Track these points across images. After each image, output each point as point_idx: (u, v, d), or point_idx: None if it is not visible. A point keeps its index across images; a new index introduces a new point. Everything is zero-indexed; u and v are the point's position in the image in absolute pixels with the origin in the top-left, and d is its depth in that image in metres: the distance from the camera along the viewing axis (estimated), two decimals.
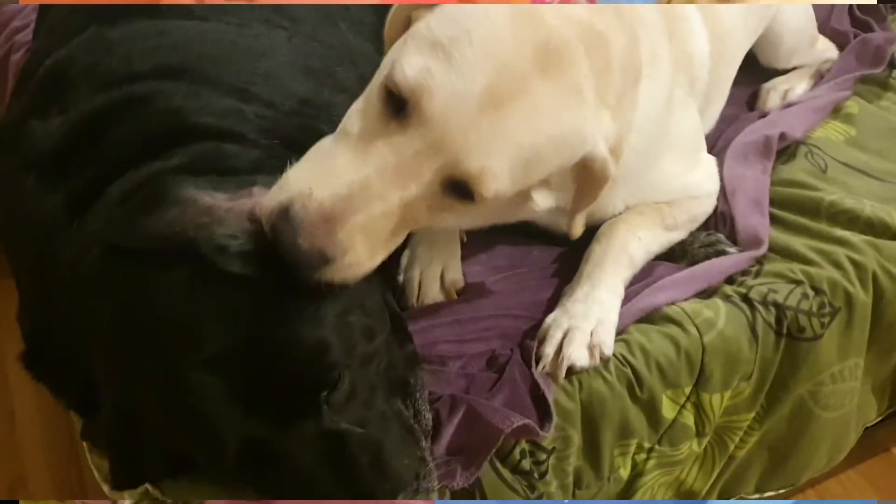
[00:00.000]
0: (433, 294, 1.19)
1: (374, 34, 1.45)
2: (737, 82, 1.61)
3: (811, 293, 1.21)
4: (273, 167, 0.96)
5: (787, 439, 1.29)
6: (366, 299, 0.94)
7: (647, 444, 1.16)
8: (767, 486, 1.35)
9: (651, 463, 1.17)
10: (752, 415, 1.23)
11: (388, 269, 1.14)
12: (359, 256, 0.87)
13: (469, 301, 1.19)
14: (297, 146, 1.03)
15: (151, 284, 0.85)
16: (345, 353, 0.87)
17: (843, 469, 1.80)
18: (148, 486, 0.95)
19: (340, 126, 0.93)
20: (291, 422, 0.85)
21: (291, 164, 0.92)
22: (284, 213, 0.84)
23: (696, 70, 1.26)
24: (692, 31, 1.26)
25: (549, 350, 1.08)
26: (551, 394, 1.05)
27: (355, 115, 0.92)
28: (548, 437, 1.03)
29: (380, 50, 1.47)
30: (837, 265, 1.24)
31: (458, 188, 0.88)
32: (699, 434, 1.19)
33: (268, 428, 0.84)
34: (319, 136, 1.06)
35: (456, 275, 1.21)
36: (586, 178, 0.99)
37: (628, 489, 1.18)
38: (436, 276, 1.20)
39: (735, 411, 1.21)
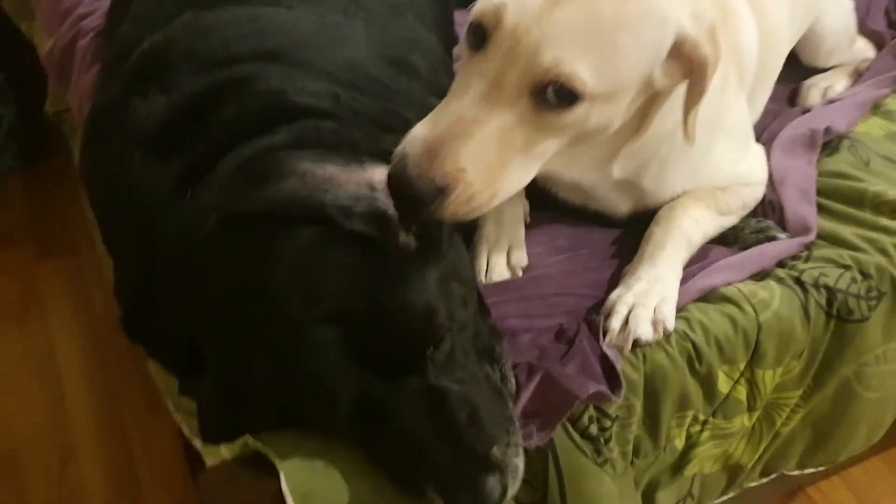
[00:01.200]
0: (500, 272, 1.25)
1: (435, 27, 1.52)
2: (778, 79, 1.67)
3: (859, 277, 1.27)
4: (370, 146, 1.03)
5: (831, 417, 1.35)
6: (461, 270, 1.00)
7: (702, 417, 1.22)
8: (808, 462, 1.41)
9: (705, 434, 1.23)
10: (800, 392, 1.29)
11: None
12: (474, 187, 0.92)
13: (535, 279, 1.25)
14: (385, 128, 1.10)
15: (275, 246, 0.92)
16: (448, 317, 0.93)
17: (868, 457, 1.86)
18: (248, 438, 1.00)
19: None
20: (401, 377, 0.91)
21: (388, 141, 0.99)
22: (395, 158, 0.91)
23: (746, 64, 1.32)
24: (744, 26, 1.32)
25: (616, 324, 1.14)
26: (620, 364, 1.11)
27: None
28: (618, 403, 1.10)
29: (442, 41, 1.54)
30: (884, 252, 1.30)
31: (548, 95, 0.93)
32: (750, 409, 1.25)
33: (379, 383, 0.91)
34: (402, 119, 1.13)
35: (521, 255, 1.27)
36: (688, 70, 1.02)
37: (682, 459, 1.24)
38: (502, 255, 1.27)
39: (784, 388, 1.28)
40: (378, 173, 0.95)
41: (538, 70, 0.92)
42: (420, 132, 0.92)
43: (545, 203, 1.35)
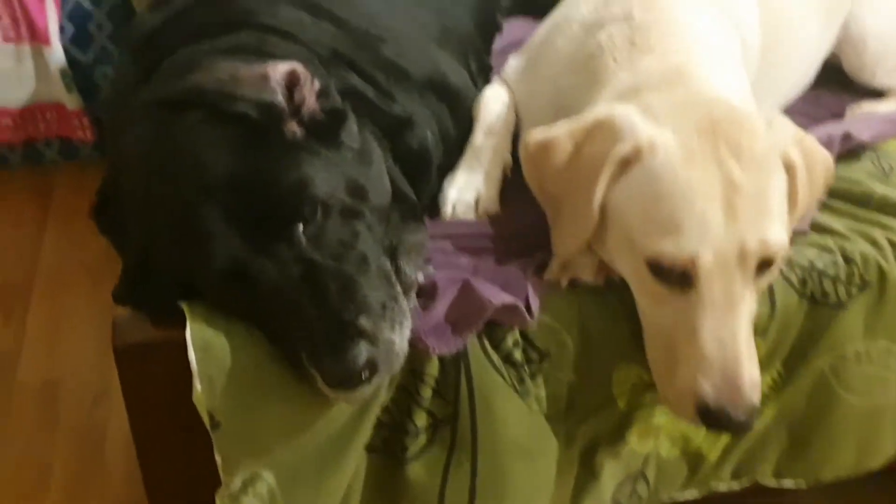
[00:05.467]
0: (463, 210, 1.28)
1: (471, 5, 1.61)
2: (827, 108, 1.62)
3: (841, 261, 1.21)
4: (312, 64, 1.12)
5: (808, 420, 1.26)
6: (363, 168, 1.07)
7: (646, 378, 1.17)
8: (787, 471, 1.30)
9: (648, 397, 1.18)
10: (767, 378, 1.22)
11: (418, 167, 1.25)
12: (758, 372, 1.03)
13: (497, 222, 1.27)
14: (343, 58, 1.20)
15: (170, 127, 1.01)
16: (324, 194, 0.99)
17: None
18: None
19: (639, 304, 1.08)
20: (270, 245, 0.97)
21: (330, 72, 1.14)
22: (706, 413, 1.01)
23: (744, 32, 1.33)
24: None
25: (558, 261, 1.14)
26: (538, 293, 1.11)
27: (642, 292, 1.06)
28: (533, 325, 1.10)
29: (472, 17, 1.61)
30: (873, 242, 1.23)
31: (767, 263, 1.03)
32: None
33: (250, 248, 0.97)
34: (376, 55, 1.23)
35: (491, 204, 1.30)
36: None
37: (624, 421, 1.19)
38: (470, 201, 1.29)
39: None
40: (276, 67, 1.02)
41: (758, 261, 1.01)
42: (708, 388, 1.00)
43: None
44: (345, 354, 0.92)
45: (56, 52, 2.40)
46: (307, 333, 0.95)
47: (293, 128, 1.02)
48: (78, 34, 2.43)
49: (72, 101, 2.50)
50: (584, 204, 1.05)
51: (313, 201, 0.98)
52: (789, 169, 1.06)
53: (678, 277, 1.01)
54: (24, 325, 2.16)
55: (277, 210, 0.97)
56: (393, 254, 1.07)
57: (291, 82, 1.02)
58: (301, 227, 0.97)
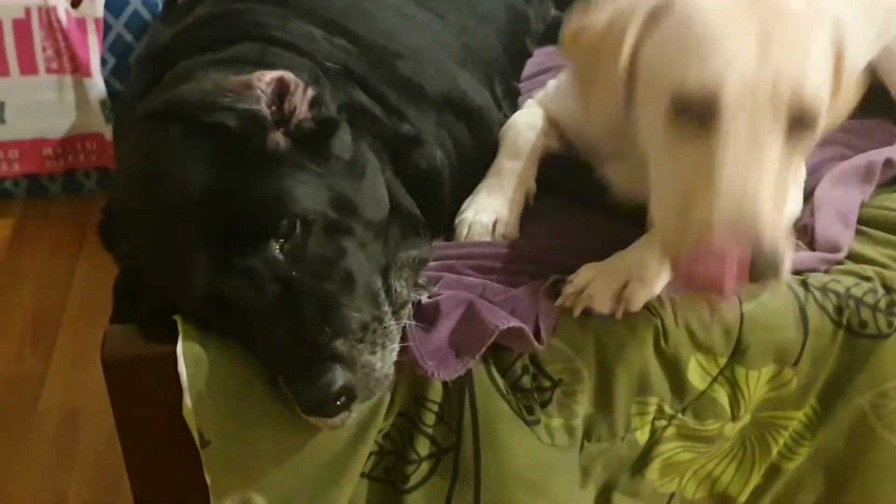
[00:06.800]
0: (479, 232, 1.23)
1: (499, 27, 1.57)
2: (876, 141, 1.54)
3: (881, 290, 1.12)
4: (313, 76, 1.09)
5: (846, 461, 1.16)
6: (354, 181, 1.02)
7: (668, 410, 1.10)
8: None
9: (670, 431, 1.10)
10: (800, 415, 1.14)
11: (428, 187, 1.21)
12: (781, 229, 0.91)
13: (513, 245, 1.21)
14: (354, 74, 1.15)
15: (152, 141, 0.99)
16: (303, 209, 0.94)
17: None
18: None
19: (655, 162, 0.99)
20: (246, 263, 0.92)
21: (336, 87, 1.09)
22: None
23: None
24: None
25: (571, 288, 1.07)
26: (552, 318, 1.04)
27: (654, 139, 0.98)
28: (541, 350, 1.03)
29: (500, 40, 1.57)
30: None
31: (803, 120, 0.93)
32: (733, 417, 1.11)
33: (226, 268, 0.93)
34: (391, 72, 1.19)
35: (509, 229, 1.25)
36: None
37: (643, 457, 1.12)
38: (487, 223, 1.24)
39: (779, 405, 1.13)
40: (263, 75, 0.98)
41: (790, 109, 0.92)
42: (721, 226, 0.88)
43: (558, 192, 1.32)
44: (318, 379, 0.88)
45: (97, 84, 2.44)
46: (282, 356, 0.91)
47: (277, 138, 0.97)
48: (118, 66, 2.47)
49: (111, 132, 2.54)
50: (613, 62, 0.98)
51: (291, 216, 0.93)
52: (837, 46, 0.97)
53: (701, 115, 0.92)
54: (52, 353, 2.16)
55: (253, 226, 0.93)
56: (385, 275, 1.02)
57: (281, 90, 0.98)
58: (278, 243, 0.93)
